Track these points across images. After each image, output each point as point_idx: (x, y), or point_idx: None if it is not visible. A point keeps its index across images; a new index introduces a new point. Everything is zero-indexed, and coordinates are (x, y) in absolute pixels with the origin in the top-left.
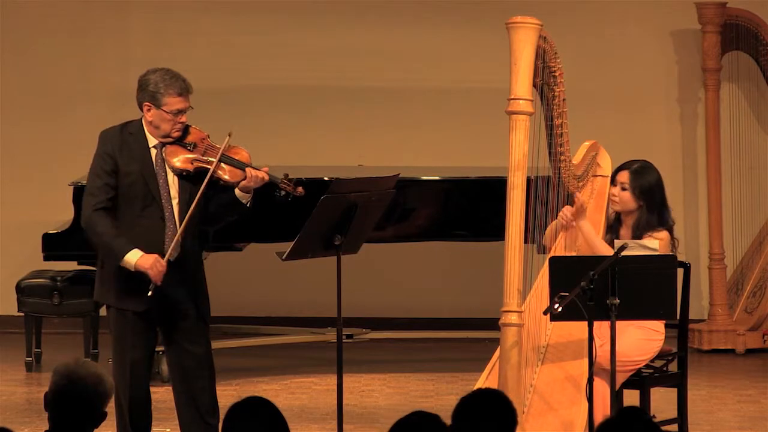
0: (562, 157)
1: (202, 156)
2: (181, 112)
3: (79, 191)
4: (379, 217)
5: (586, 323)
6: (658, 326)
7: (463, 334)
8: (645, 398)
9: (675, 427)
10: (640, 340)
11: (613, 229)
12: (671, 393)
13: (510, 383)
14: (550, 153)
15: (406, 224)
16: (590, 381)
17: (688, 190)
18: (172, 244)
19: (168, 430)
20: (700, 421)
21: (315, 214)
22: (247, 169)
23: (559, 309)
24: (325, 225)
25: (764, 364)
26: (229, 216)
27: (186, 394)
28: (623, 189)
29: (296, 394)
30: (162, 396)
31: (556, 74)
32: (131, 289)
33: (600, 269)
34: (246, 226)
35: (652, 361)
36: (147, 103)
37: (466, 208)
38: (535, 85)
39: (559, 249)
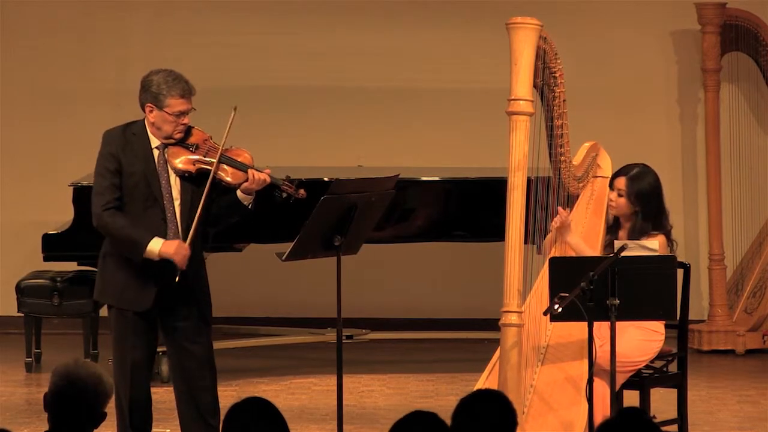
0: (563, 158)
1: (204, 157)
2: (183, 113)
3: (79, 192)
4: (378, 217)
5: (585, 324)
6: (658, 327)
7: (463, 335)
8: (645, 399)
9: (675, 427)
10: (640, 340)
11: (612, 230)
12: (671, 393)
13: (510, 384)
14: (550, 154)
15: (405, 225)
16: (590, 381)
17: (688, 190)
18: (191, 233)
19: (168, 430)
20: (700, 422)
21: (315, 215)
22: (249, 171)
23: (559, 309)
24: (325, 225)
25: (764, 364)
26: (231, 218)
27: (187, 394)
28: (620, 195)
29: (296, 395)
30: (162, 396)
31: (557, 75)
32: (132, 290)
33: (600, 270)
34: (245, 227)
35: (652, 361)
36: (149, 105)
37: (466, 209)
38: (535, 86)
39: (558, 251)
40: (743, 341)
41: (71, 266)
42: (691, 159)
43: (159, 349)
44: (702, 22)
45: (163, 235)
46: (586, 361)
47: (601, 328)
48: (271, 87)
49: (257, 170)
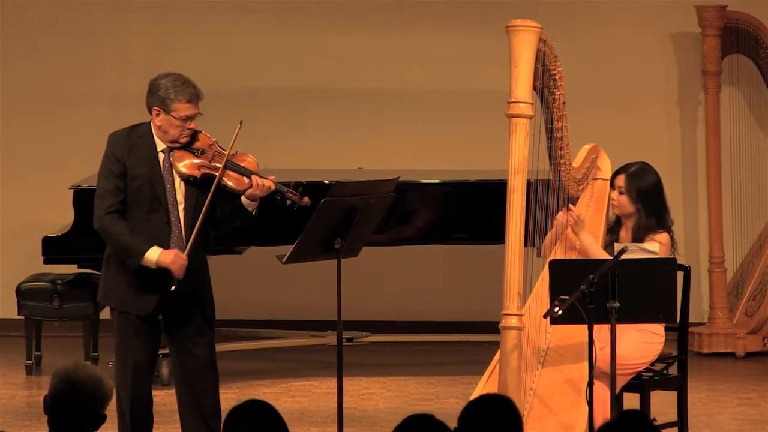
0: (563, 160)
1: (210, 162)
2: (190, 118)
3: (79, 194)
4: (378, 220)
5: (586, 326)
6: (658, 329)
7: (463, 338)
8: (645, 401)
9: (675, 430)
10: (640, 343)
11: (613, 231)
12: (671, 396)
13: (510, 387)
14: (550, 156)
15: (406, 227)
16: (590, 384)
17: (688, 193)
18: (190, 241)
19: None
20: (700, 425)
21: (315, 218)
22: (254, 177)
23: (559, 312)
24: (325, 228)
25: (764, 367)
26: (235, 222)
27: (189, 396)
28: (620, 193)
29: (296, 398)
30: (162, 399)
31: (556, 77)
32: (135, 292)
33: (600, 272)
34: (246, 230)
35: (652, 364)
36: (156, 108)
37: (466, 212)
38: (535, 88)
39: (558, 253)
40: (743, 344)
41: (71, 269)
42: (691, 161)
43: (161, 352)
44: (702, 25)
45: (167, 239)
46: (586, 364)
47: (601, 330)
48: (271, 89)
49: (262, 176)
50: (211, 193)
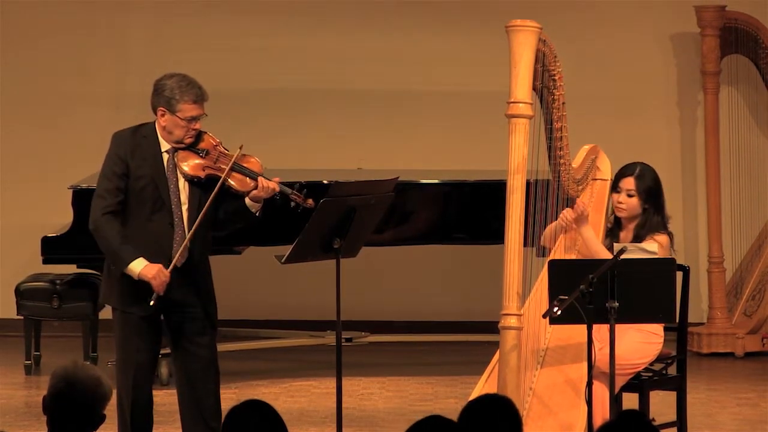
0: (562, 161)
1: (214, 163)
2: (195, 119)
3: (78, 194)
4: (378, 220)
5: (585, 326)
6: (657, 329)
7: (462, 338)
8: (644, 401)
9: (674, 430)
10: (640, 343)
11: (612, 232)
12: (670, 396)
13: (509, 386)
14: (549, 156)
15: (405, 227)
16: (589, 384)
17: (688, 193)
18: (180, 250)
19: None
20: (700, 425)
21: (314, 218)
22: (259, 179)
23: (559, 312)
24: (325, 228)
25: (763, 367)
26: (237, 224)
27: (189, 396)
28: (630, 195)
29: (295, 398)
30: (162, 399)
31: (556, 77)
32: (138, 292)
33: (599, 272)
34: (245, 230)
35: (652, 364)
36: (161, 108)
37: (466, 212)
38: (534, 89)
39: (558, 251)
40: (742, 344)
41: (71, 269)
42: (690, 161)
43: (163, 352)
44: (701, 25)
45: (170, 239)
46: (585, 364)
47: (601, 330)
48: (271, 89)
49: (267, 178)
50: (213, 193)
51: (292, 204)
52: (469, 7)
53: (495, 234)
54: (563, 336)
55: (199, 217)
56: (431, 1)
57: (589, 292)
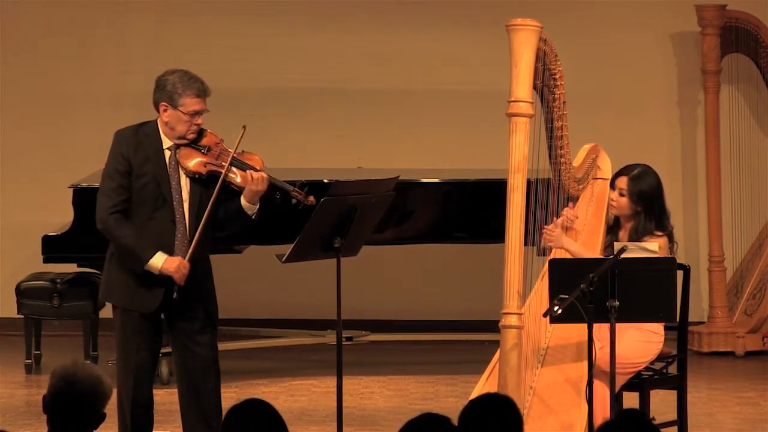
0: (563, 160)
1: (216, 160)
2: (197, 113)
3: (79, 193)
4: (378, 219)
5: (585, 325)
6: (657, 328)
7: (462, 337)
8: (644, 401)
9: (675, 429)
10: (640, 342)
11: (612, 231)
12: (671, 395)
13: (510, 385)
14: (550, 155)
15: (405, 226)
16: (590, 383)
17: (688, 192)
18: (192, 245)
19: None
20: (700, 424)
21: (314, 217)
22: (248, 171)
23: (559, 311)
24: (325, 227)
25: (764, 366)
26: (235, 225)
27: (190, 395)
28: (621, 194)
29: (296, 397)
30: (162, 398)
31: (557, 76)
32: (139, 290)
33: (600, 271)
34: (245, 229)
35: (652, 363)
36: (164, 103)
37: (466, 211)
38: (535, 88)
39: (559, 250)
40: (743, 343)
41: (71, 268)
42: (691, 161)
43: (163, 351)
44: (702, 24)
45: (172, 237)
46: (585, 363)
47: (601, 329)
48: (271, 89)
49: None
50: (216, 190)
51: (293, 201)
52: (470, 7)
53: (495, 233)
54: (564, 335)
55: (206, 213)
56: (431, 1)
57: (589, 291)
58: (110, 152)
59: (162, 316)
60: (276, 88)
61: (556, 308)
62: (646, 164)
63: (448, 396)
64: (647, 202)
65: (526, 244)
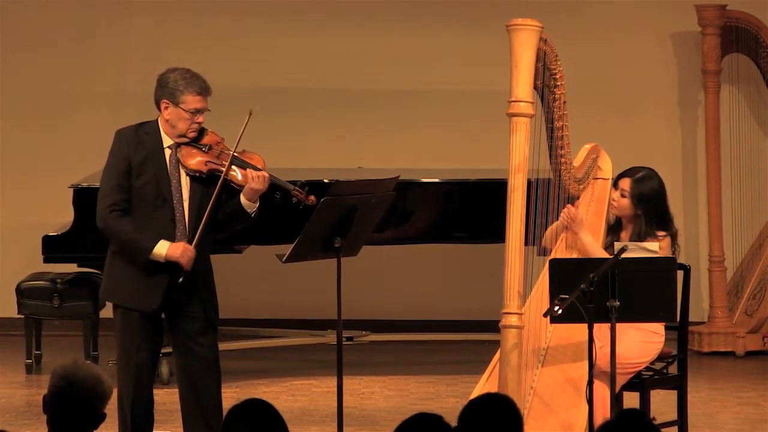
0: (563, 160)
1: (216, 159)
2: (198, 111)
3: (79, 193)
4: (378, 219)
5: (586, 325)
6: (658, 328)
7: (463, 337)
8: (645, 400)
9: (675, 429)
10: (640, 342)
11: (613, 231)
12: (671, 395)
13: (510, 385)
14: (550, 155)
15: (406, 226)
16: (590, 383)
17: (688, 192)
18: (194, 241)
19: None
20: (700, 424)
21: (315, 217)
22: (248, 170)
23: (559, 311)
24: (325, 227)
25: (764, 366)
26: (235, 225)
27: (190, 395)
28: (623, 195)
29: (296, 397)
30: (162, 398)
31: (557, 76)
32: (140, 290)
33: (600, 271)
34: (245, 229)
35: (652, 363)
36: (165, 101)
37: (467, 211)
38: (535, 88)
39: (560, 250)
40: (743, 343)
41: (71, 268)
42: (691, 161)
43: (164, 350)
44: (702, 24)
45: (172, 236)
46: (586, 363)
47: (601, 329)
48: (271, 89)
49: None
50: (217, 188)
51: (294, 200)
52: (470, 7)
53: (496, 233)
54: (564, 335)
55: (205, 217)
56: (431, 1)
57: (589, 291)
58: (110, 151)
59: (162, 316)
60: (276, 88)
61: (556, 308)
62: (651, 168)
63: (448, 396)
64: (647, 206)
65: (526, 243)
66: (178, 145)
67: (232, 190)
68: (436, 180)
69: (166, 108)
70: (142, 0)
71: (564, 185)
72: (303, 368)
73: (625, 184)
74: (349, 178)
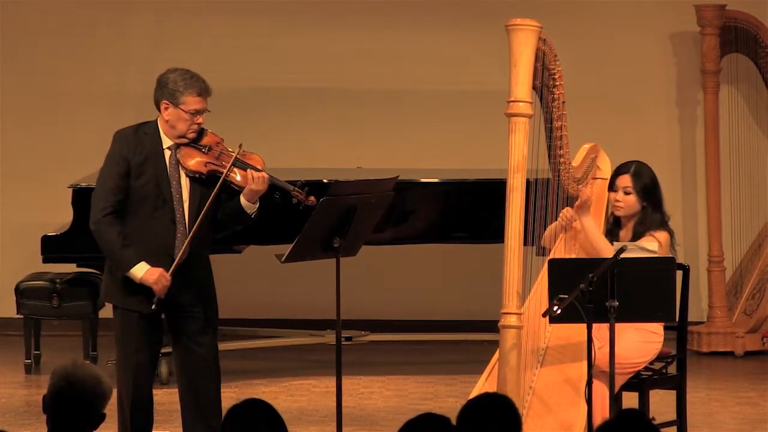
0: (562, 160)
1: (216, 159)
2: (198, 112)
3: (78, 193)
4: (378, 219)
5: (585, 325)
6: (657, 328)
7: (462, 337)
8: (644, 400)
9: (674, 429)
10: (639, 342)
11: (611, 232)
12: (670, 395)
13: (509, 385)
14: (549, 155)
15: (405, 226)
16: (589, 383)
17: (687, 192)
18: (181, 251)
19: None
20: (700, 424)
21: (314, 217)
22: (249, 171)
23: (558, 311)
24: (324, 227)
25: (763, 366)
26: (235, 225)
27: (190, 395)
28: (627, 193)
29: (295, 397)
30: (162, 398)
31: (556, 76)
32: (139, 291)
33: (599, 271)
34: (245, 228)
35: (651, 363)
36: (165, 101)
37: (466, 211)
38: (534, 88)
39: (559, 250)
40: (742, 343)
41: (71, 268)
42: (690, 161)
43: (164, 350)
44: (701, 24)
45: (172, 236)
46: (585, 363)
47: (600, 329)
48: (271, 89)
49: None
50: (216, 189)
51: (294, 201)
52: (470, 7)
53: (495, 233)
54: (563, 335)
55: (201, 215)
56: (431, 1)
57: (588, 291)
58: (109, 152)
59: (162, 316)
60: (276, 88)
61: (555, 308)
62: (637, 159)
63: (448, 396)
64: (652, 195)
65: (525, 244)
66: (177, 146)
67: (231, 190)
68: (436, 180)
69: (166, 109)
70: (143, 0)
71: (563, 185)
72: (302, 368)
73: (625, 181)
74: (348, 178)
